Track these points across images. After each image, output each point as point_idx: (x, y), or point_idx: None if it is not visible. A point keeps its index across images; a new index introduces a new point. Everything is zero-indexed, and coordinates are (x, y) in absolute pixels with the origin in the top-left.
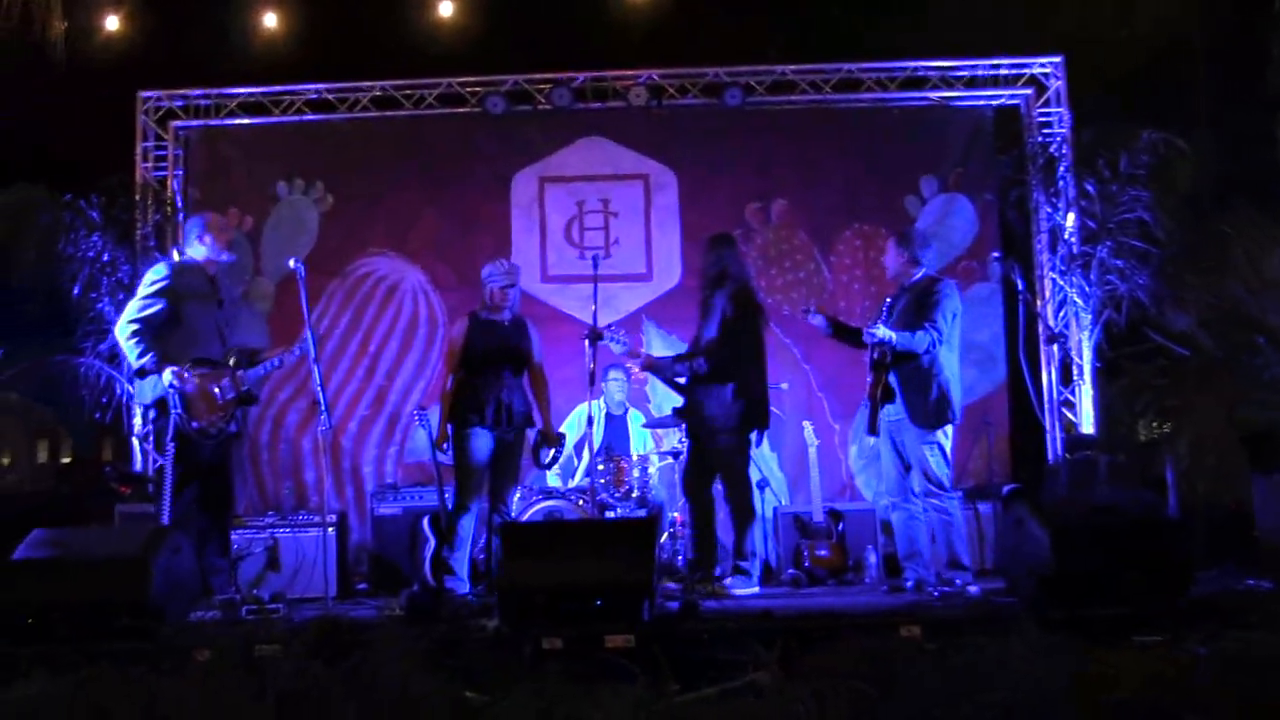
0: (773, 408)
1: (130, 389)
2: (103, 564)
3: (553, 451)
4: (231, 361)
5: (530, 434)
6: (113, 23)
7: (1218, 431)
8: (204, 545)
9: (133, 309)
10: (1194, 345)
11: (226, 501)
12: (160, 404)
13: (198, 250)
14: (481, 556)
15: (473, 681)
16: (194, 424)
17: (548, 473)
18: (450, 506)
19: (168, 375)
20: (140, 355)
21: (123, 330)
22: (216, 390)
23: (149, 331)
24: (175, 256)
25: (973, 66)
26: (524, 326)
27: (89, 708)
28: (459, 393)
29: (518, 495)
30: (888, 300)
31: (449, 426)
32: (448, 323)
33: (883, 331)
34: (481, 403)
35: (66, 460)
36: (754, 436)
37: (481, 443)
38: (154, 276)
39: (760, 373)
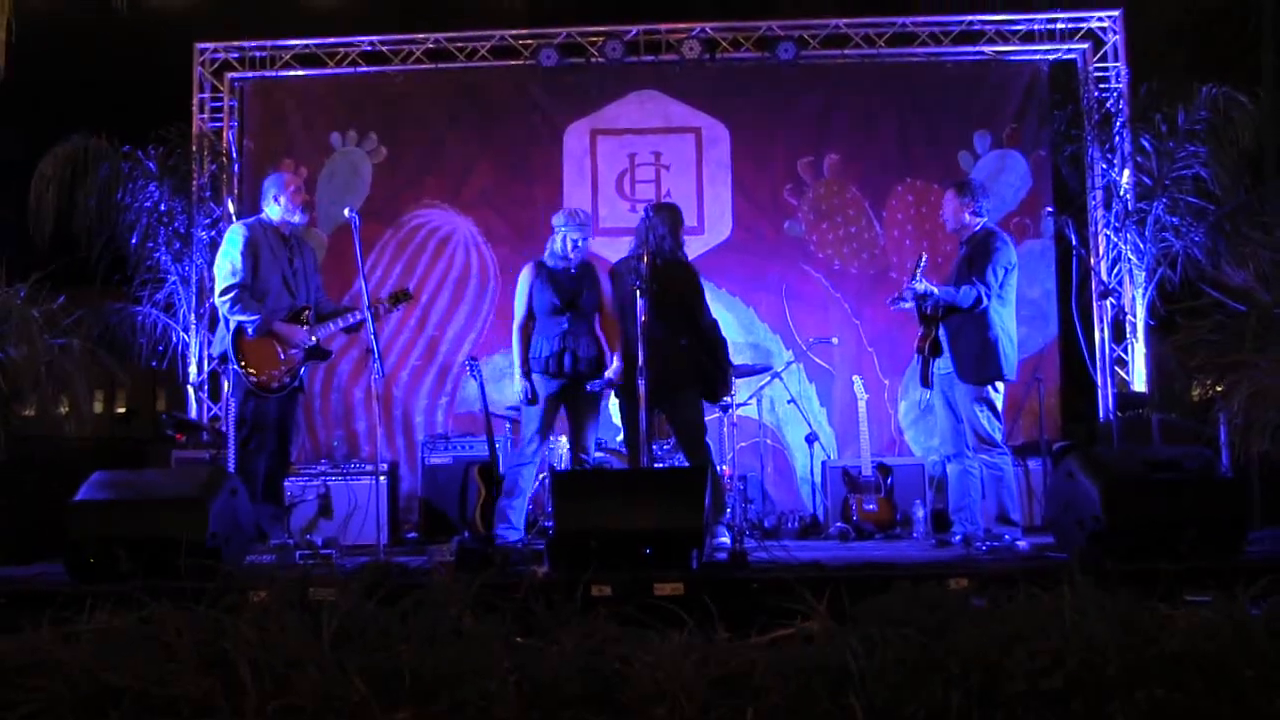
0: (822, 362)
1: (185, 337)
2: (161, 504)
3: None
4: (304, 317)
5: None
6: None
7: (1274, 389)
8: (260, 492)
9: (224, 275)
10: (1252, 301)
11: (285, 452)
12: (225, 358)
13: (273, 210)
14: (530, 507)
15: (522, 626)
16: (251, 379)
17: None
18: (510, 455)
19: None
20: (248, 315)
21: (223, 297)
22: (278, 346)
23: (246, 293)
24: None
25: (1029, 20)
26: (592, 272)
27: (152, 642)
28: (526, 342)
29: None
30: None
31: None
32: (499, 275)
33: (922, 285)
34: (544, 351)
35: (122, 409)
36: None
37: (544, 391)
38: (234, 239)
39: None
